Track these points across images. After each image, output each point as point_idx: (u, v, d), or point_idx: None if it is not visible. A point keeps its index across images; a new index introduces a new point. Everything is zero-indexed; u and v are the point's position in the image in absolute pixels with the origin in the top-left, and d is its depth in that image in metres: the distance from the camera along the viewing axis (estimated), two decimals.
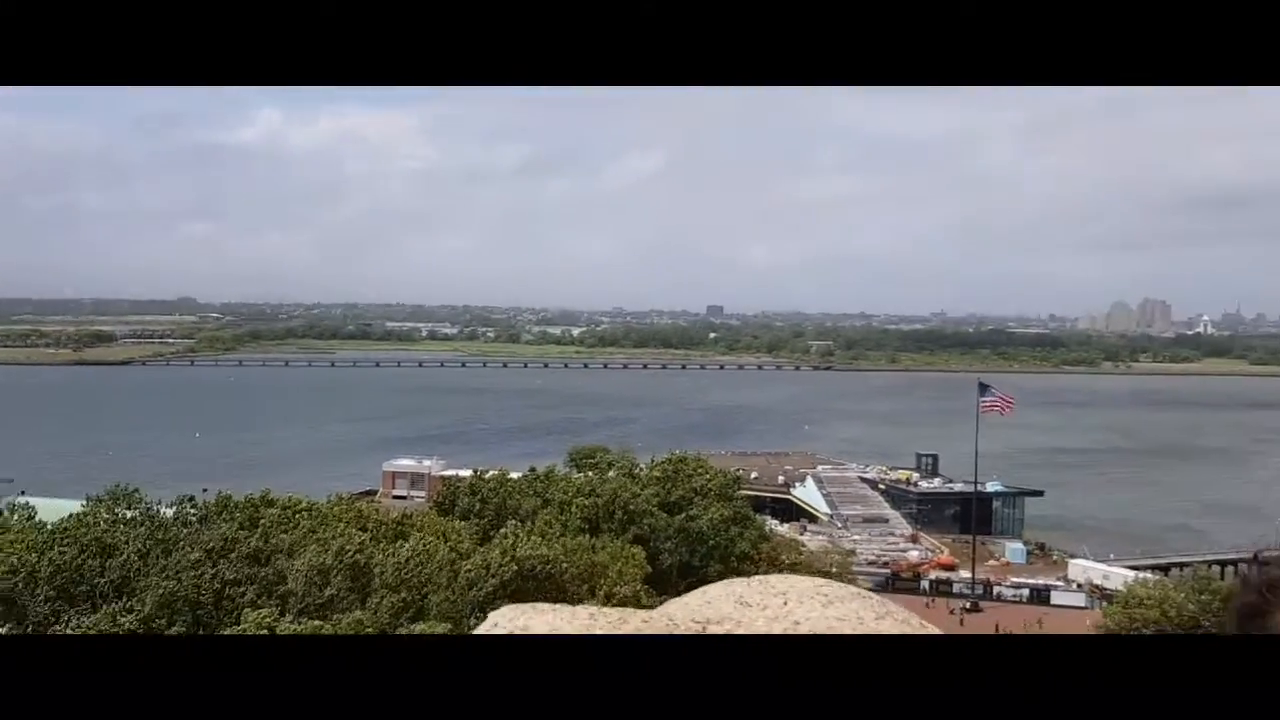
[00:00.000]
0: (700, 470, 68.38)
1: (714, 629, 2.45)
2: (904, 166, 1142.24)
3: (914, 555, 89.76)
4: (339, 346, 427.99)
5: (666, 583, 59.83)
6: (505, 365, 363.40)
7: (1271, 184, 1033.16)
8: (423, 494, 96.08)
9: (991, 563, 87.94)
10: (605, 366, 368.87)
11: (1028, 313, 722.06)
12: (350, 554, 41.80)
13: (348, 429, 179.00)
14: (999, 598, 78.31)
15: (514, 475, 66.28)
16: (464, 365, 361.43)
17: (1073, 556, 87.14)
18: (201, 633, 36.91)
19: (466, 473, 71.40)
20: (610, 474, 67.81)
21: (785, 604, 2.73)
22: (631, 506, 60.50)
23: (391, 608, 39.80)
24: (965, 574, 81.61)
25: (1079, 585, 79.69)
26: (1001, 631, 67.14)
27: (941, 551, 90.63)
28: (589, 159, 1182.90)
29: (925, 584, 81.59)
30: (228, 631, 34.77)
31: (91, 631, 34.65)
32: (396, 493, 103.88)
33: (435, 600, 40.58)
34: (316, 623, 35.80)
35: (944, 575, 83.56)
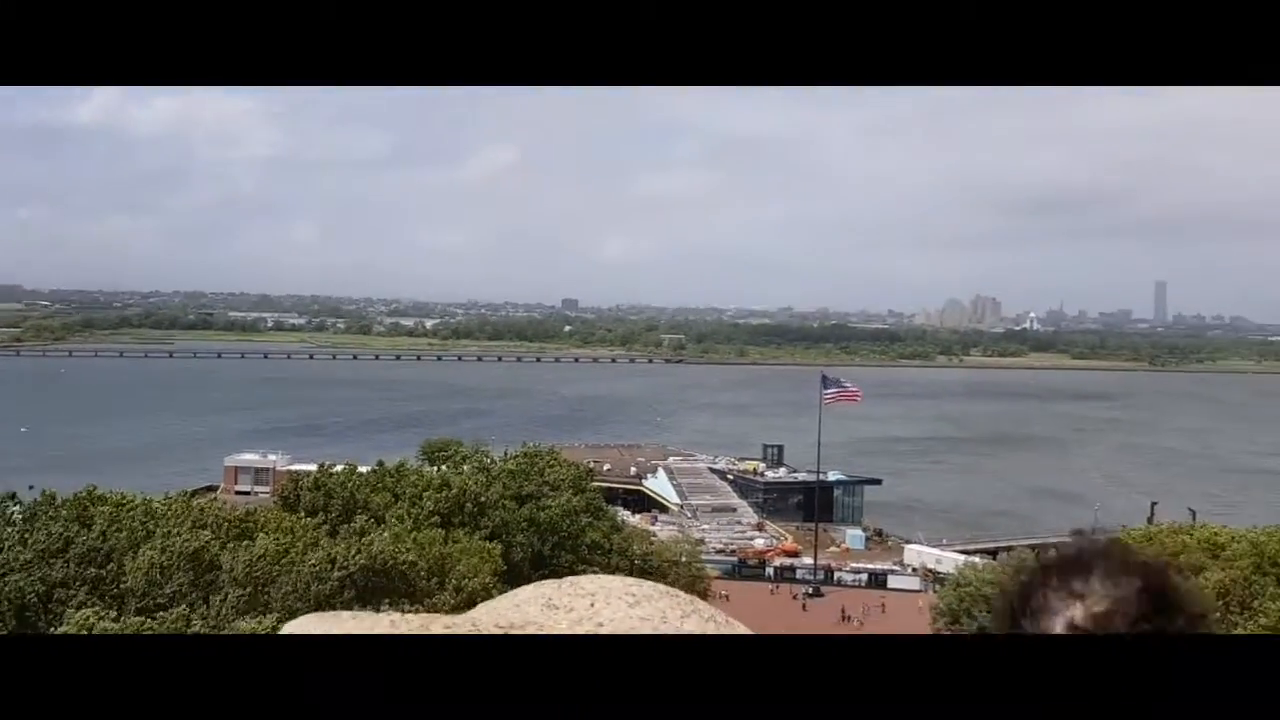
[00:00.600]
0: (553, 463, 68.33)
1: (518, 632, 2.45)
2: (756, 164, 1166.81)
3: (760, 543, 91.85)
4: (179, 337, 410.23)
5: (519, 575, 59.63)
6: (356, 357, 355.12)
7: (1092, 187, 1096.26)
8: (268, 490, 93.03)
9: (833, 549, 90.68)
10: (459, 359, 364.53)
11: (869, 308, 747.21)
12: (191, 551, 40.19)
13: (189, 423, 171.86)
14: (840, 583, 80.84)
15: (363, 469, 64.83)
16: (312, 357, 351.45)
17: (908, 542, 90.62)
18: (35, 634, 35.02)
19: (313, 467, 69.51)
20: (464, 468, 67.04)
21: (592, 605, 2.76)
22: (484, 500, 59.99)
23: (235, 604, 38.50)
24: (808, 560, 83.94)
25: (914, 569, 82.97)
26: (845, 612, 69.42)
27: (786, 539, 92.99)
28: (444, 150, 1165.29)
29: (770, 570, 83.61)
30: (58, 631, 33.06)
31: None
32: (239, 488, 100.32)
33: (277, 595, 39.40)
34: (140, 619, 34.41)
35: (788, 562, 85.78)
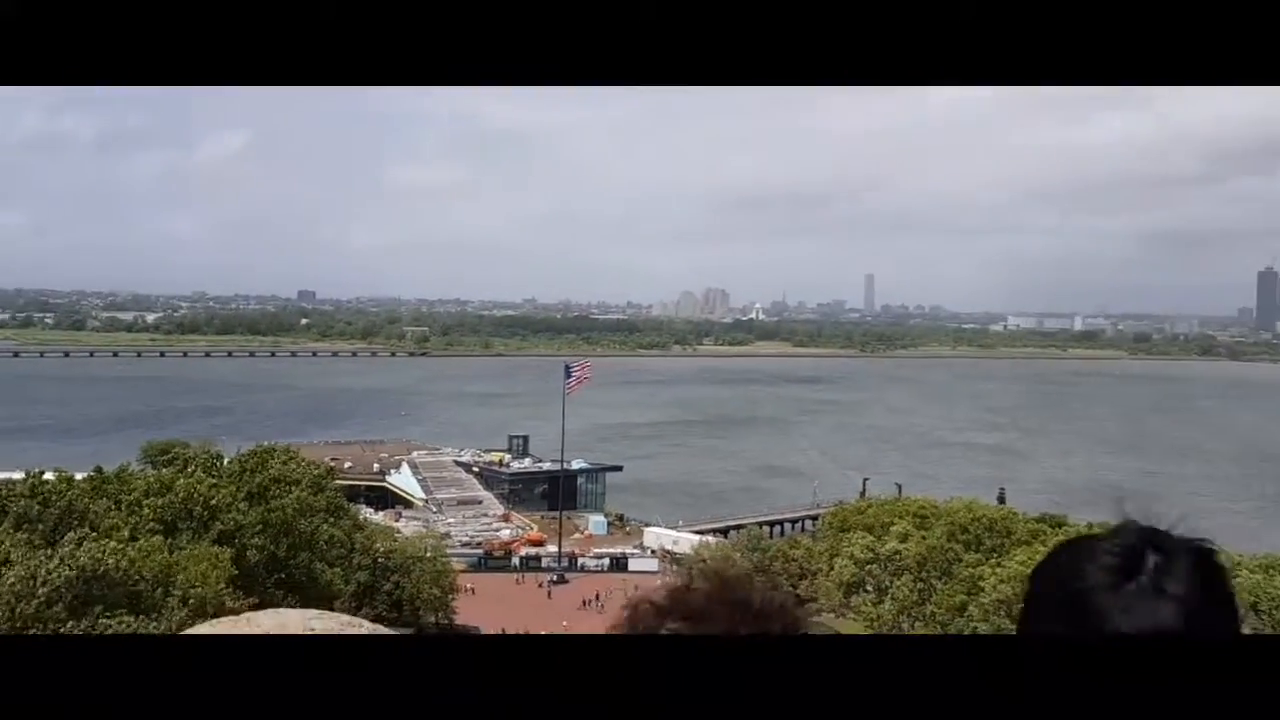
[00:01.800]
0: (290, 461, 65.22)
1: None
2: (502, 156, 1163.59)
3: (506, 534, 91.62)
4: None
5: (254, 580, 56.56)
6: (68, 355, 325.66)
7: (812, 185, 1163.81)
8: None
9: (577, 536, 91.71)
10: (185, 355, 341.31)
11: (609, 300, 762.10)
12: None
13: None
14: (584, 569, 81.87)
15: (80, 475, 59.42)
16: (17, 355, 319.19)
17: (647, 525, 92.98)
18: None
19: (19, 474, 63.03)
20: (191, 469, 62.79)
21: None
22: (214, 502, 56.48)
23: None
24: (553, 549, 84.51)
25: (653, 551, 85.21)
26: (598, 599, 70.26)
27: (531, 529, 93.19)
28: (175, 134, 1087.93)
29: (517, 561, 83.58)
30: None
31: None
32: None
33: None
34: None
35: (534, 551, 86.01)
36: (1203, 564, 1.77)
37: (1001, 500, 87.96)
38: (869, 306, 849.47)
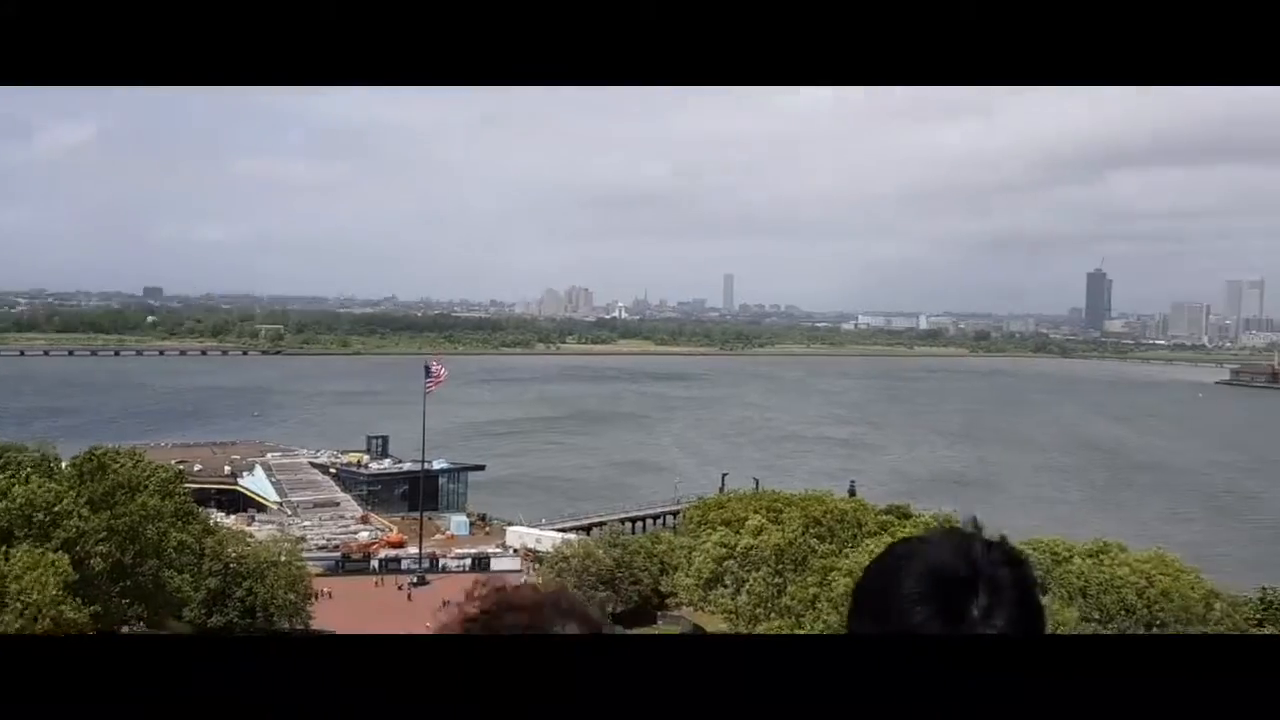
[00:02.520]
0: (134, 465, 62.23)
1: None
2: (363, 153, 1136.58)
3: (364, 536, 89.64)
4: None
5: (97, 588, 53.89)
6: None
7: (675, 187, 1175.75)
8: None
9: (438, 536, 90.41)
10: (22, 354, 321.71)
11: (471, 298, 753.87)
12: None
13: None
14: (445, 570, 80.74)
15: None
16: None
17: (510, 524, 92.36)
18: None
19: None
20: (25, 474, 59.21)
21: None
22: (56, 509, 53.52)
23: None
24: (414, 550, 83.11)
25: (515, 551, 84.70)
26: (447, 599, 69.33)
27: (391, 530, 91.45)
28: (11, 126, 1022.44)
29: (376, 563, 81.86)
30: None
31: None
32: None
33: None
34: None
35: (394, 553, 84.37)
36: (1011, 569, 1.83)
37: (852, 492, 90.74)
38: (728, 306, 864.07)
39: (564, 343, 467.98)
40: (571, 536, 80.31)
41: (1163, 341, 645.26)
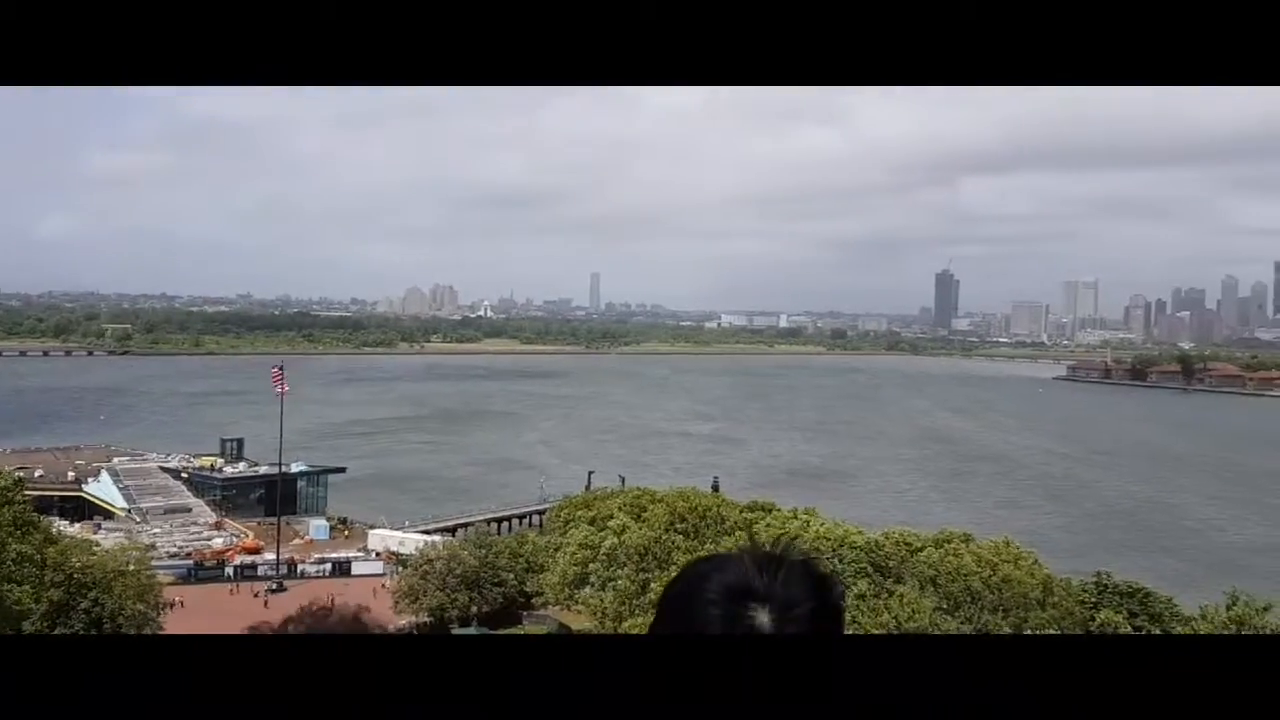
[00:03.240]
0: None
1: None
2: (216, 147, 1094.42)
3: (219, 543, 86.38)
4: None
5: None
6: None
7: (541, 186, 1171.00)
8: None
9: (297, 542, 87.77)
10: None
11: (331, 295, 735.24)
12: None
13: None
14: (304, 575, 78.49)
15: None
16: None
17: (372, 527, 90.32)
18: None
19: None
20: None
21: None
22: None
23: None
24: (271, 556, 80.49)
25: (378, 554, 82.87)
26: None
27: (247, 536, 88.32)
28: None
29: (230, 571, 78.94)
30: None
31: None
32: None
33: None
34: None
35: (250, 560, 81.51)
36: (812, 583, 1.89)
37: (716, 488, 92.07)
38: (594, 304, 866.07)
39: (428, 342, 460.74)
40: (436, 538, 79.05)
41: (1005, 339, 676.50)
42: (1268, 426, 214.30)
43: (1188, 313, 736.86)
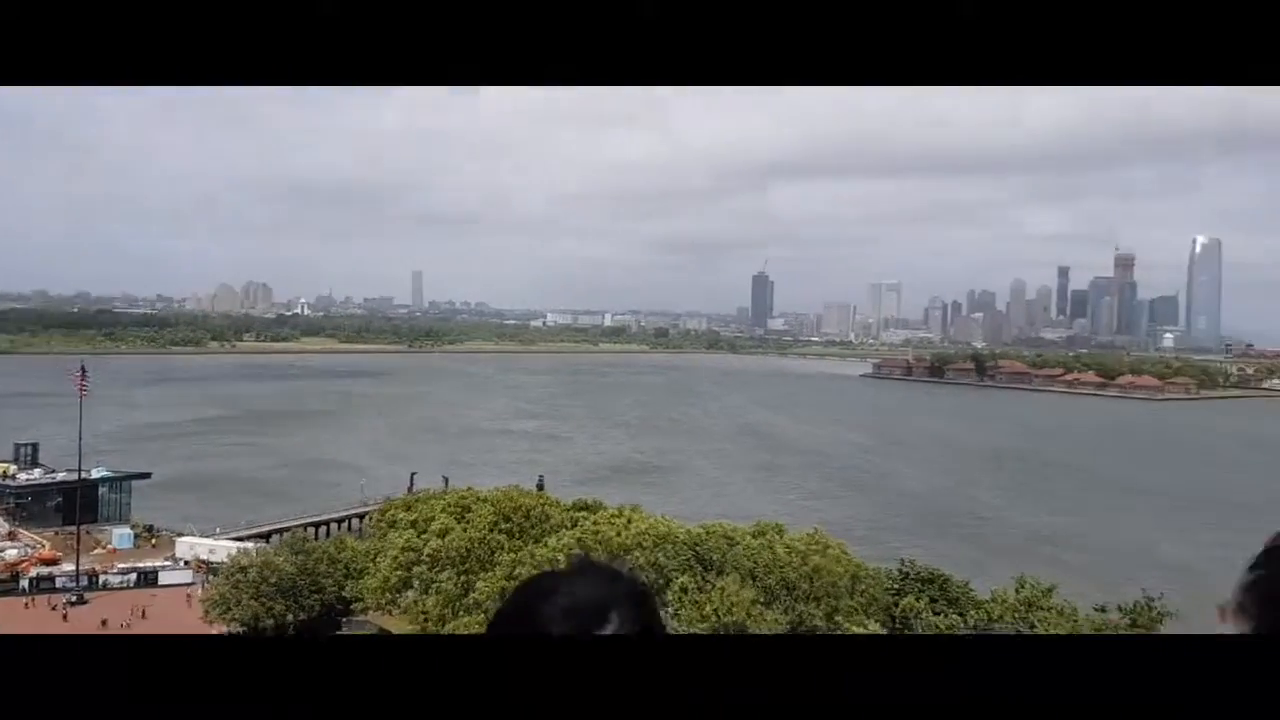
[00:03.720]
0: None
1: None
2: (7, 137, 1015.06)
3: (12, 554, 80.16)
4: None
5: None
6: None
7: (364, 183, 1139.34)
8: None
9: (99, 551, 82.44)
10: None
11: (135, 292, 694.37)
12: None
13: None
14: (106, 586, 73.79)
15: None
16: None
17: (180, 534, 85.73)
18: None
19: None
20: None
21: None
22: None
23: None
24: (70, 567, 75.32)
25: (186, 563, 78.78)
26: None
27: (43, 546, 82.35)
28: None
29: (25, 583, 73.41)
30: None
31: None
32: None
33: None
34: None
35: (47, 571, 76.06)
36: (636, 599, 1.94)
37: (541, 486, 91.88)
38: (417, 302, 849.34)
39: (241, 340, 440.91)
40: (249, 545, 75.79)
41: (817, 338, 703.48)
42: (1048, 419, 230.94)
43: (981, 314, 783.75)
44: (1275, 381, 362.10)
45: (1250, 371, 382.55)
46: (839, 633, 52.21)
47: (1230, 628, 1.77)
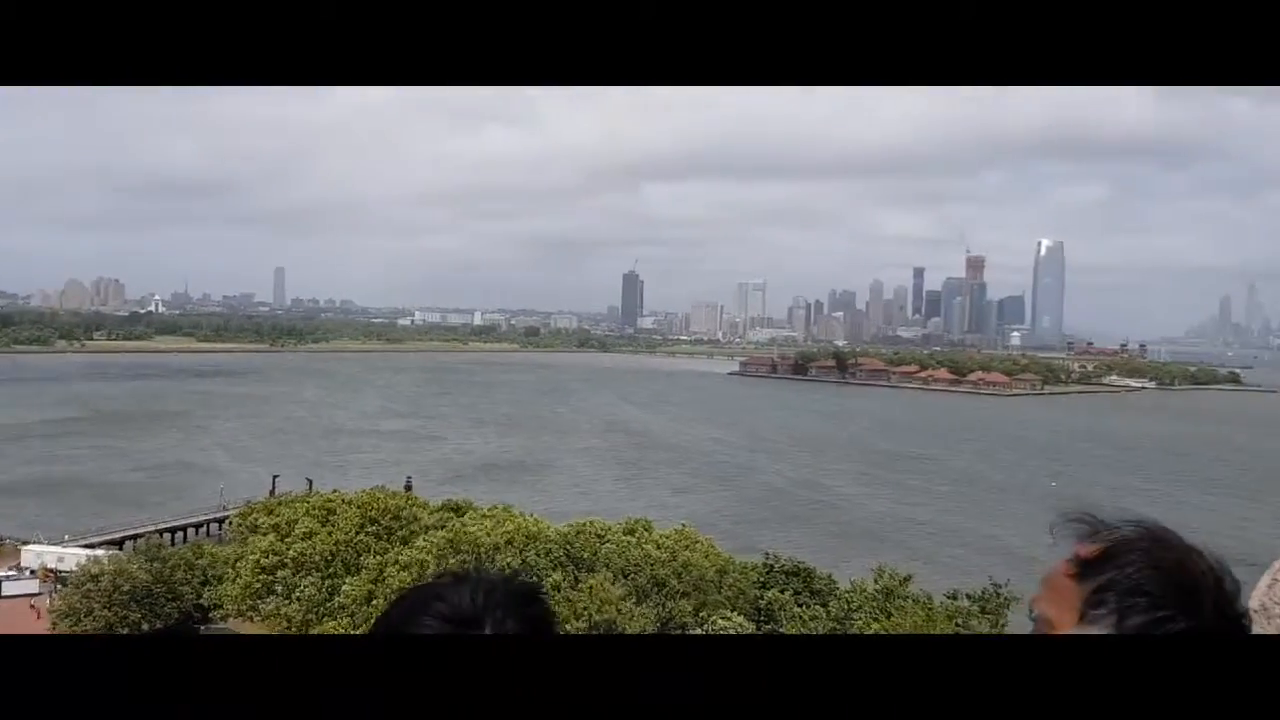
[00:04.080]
0: None
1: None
2: None
3: None
4: None
5: None
6: None
7: (219, 176, 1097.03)
8: None
9: None
10: None
11: None
12: None
13: None
14: None
15: None
16: None
17: (26, 543, 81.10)
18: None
19: None
20: None
21: None
22: None
23: None
24: None
25: (33, 572, 74.61)
26: None
27: None
28: None
29: None
30: None
31: None
32: None
33: None
34: None
35: None
36: (526, 607, 1.94)
37: (409, 487, 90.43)
38: (279, 300, 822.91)
39: (91, 339, 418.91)
40: (100, 553, 72.23)
41: (686, 337, 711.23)
42: (903, 414, 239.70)
43: (841, 313, 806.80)
44: (1114, 377, 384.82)
45: (1090, 368, 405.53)
46: (717, 633, 52.89)
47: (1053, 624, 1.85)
